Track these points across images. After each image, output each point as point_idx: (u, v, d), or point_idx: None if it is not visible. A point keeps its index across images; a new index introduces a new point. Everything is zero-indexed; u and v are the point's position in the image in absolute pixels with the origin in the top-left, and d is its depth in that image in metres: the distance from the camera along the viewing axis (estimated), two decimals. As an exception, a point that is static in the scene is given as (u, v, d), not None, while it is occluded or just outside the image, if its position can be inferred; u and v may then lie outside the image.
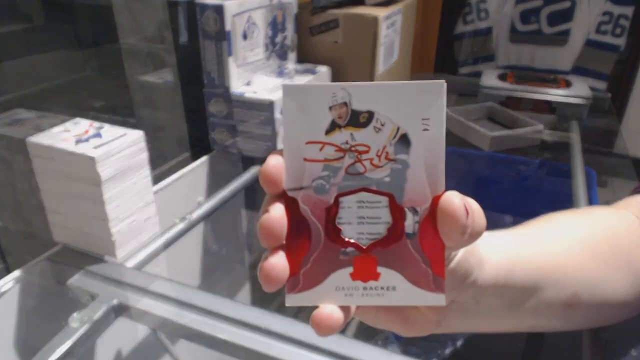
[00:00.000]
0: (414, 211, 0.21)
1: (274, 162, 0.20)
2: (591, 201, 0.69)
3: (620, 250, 0.33)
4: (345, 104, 0.20)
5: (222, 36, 0.66)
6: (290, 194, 0.21)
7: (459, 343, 0.58)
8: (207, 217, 0.63)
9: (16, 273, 0.49)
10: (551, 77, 1.06)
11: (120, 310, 0.47)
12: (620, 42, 1.58)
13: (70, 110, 0.70)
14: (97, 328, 0.45)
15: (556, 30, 1.60)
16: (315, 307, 0.21)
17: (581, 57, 1.61)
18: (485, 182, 0.87)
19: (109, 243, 0.49)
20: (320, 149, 0.20)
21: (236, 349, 0.42)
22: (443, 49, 1.75)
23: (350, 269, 0.21)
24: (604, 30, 1.57)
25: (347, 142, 0.20)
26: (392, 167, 0.20)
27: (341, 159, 0.20)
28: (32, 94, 0.65)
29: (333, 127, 0.20)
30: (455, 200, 0.20)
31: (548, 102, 0.99)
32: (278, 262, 0.20)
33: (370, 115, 0.20)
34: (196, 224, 0.61)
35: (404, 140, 0.20)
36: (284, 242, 0.21)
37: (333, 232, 0.21)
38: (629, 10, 1.54)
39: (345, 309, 0.21)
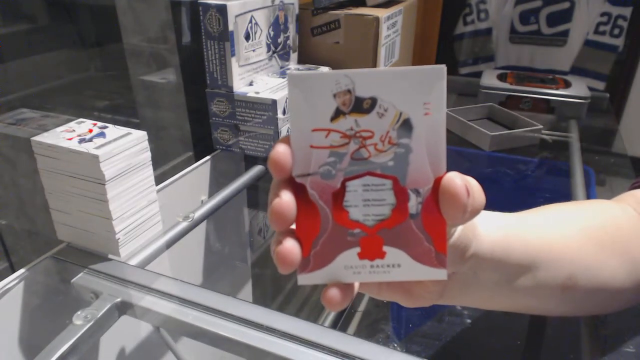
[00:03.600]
0: (417, 192, 0.22)
1: (282, 149, 0.21)
2: (590, 199, 0.69)
3: (619, 238, 0.34)
4: (349, 91, 0.20)
5: (225, 37, 0.66)
6: (298, 180, 0.21)
7: (460, 342, 0.58)
8: (210, 216, 0.63)
9: (20, 271, 0.49)
10: (550, 78, 1.07)
11: (124, 308, 0.47)
12: (619, 42, 1.58)
13: (74, 110, 0.71)
14: (101, 326, 0.45)
15: (555, 30, 1.61)
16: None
17: (580, 58, 1.62)
18: (485, 182, 0.87)
19: (113, 241, 0.49)
20: (326, 136, 0.21)
21: (239, 346, 0.42)
22: (443, 49, 1.75)
23: (357, 249, 0.22)
24: (603, 31, 1.57)
25: (351, 129, 0.21)
26: (396, 151, 0.21)
27: (346, 145, 0.21)
28: (36, 94, 0.65)
29: (338, 114, 0.21)
30: (456, 181, 0.21)
31: (547, 102, 1.00)
32: (292, 247, 0.21)
33: (374, 101, 0.21)
34: (199, 222, 0.61)
35: (406, 125, 0.21)
36: (294, 225, 0.22)
37: (340, 215, 0.22)
38: (627, 11, 1.55)
39: (350, 286, 0.23)
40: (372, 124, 0.21)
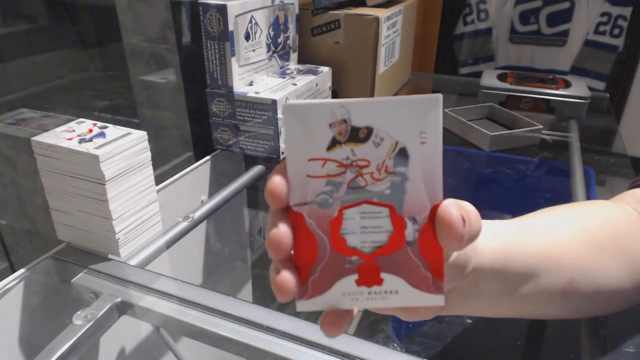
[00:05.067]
0: (414, 220, 0.22)
1: (278, 180, 0.21)
2: (590, 199, 0.69)
3: (618, 239, 0.34)
4: (344, 120, 0.21)
5: (225, 37, 0.66)
6: (295, 209, 0.22)
7: (460, 342, 0.58)
8: (210, 216, 0.63)
9: (20, 271, 0.49)
10: (550, 78, 1.07)
11: (124, 308, 0.47)
12: (619, 42, 1.58)
13: (74, 110, 0.71)
14: (101, 326, 0.45)
15: (555, 30, 1.61)
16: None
17: (580, 58, 1.62)
18: (485, 182, 0.88)
19: (113, 241, 0.49)
20: (323, 165, 0.21)
21: (239, 346, 0.42)
22: (443, 49, 1.75)
23: (355, 276, 0.22)
24: (603, 31, 1.57)
25: (348, 158, 0.21)
26: (392, 180, 0.21)
27: (343, 174, 0.21)
28: (36, 94, 0.65)
29: (334, 143, 0.21)
30: (452, 210, 0.21)
31: (547, 102, 1.00)
32: (289, 276, 0.22)
33: (369, 130, 0.21)
34: (199, 222, 0.61)
35: (402, 154, 0.21)
36: (292, 253, 0.22)
37: (338, 242, 0.22)
38: (627, 11, 1.55)
39: (349, 311, 0.23)
40: (368, 153, 0.21)
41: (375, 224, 0.22)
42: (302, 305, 0.23)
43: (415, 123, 0.21)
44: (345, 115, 0.21)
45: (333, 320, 0.23)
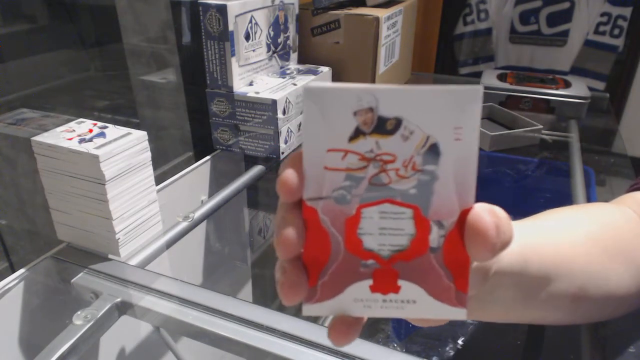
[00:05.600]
0: (440, 224, 0.20)
1: (292, 170, 0.19)
2: (590, 200, 0.69)
3: (622, 243, 0.34)
4: (371, 109, 0.19)
5: (225, 36, 0.66)
6: (309, 204, 0.20)
7: (460, 341, 0.58)
8: (210, 216, 0.63)
9: (20, 271, 0.49)
10: (550, 78, 1.07)
11: (124, 308, 0.47)
12: (619, 42, 1.58)
13: (74, 110, 0.71)
14: (101, 326, 0.45)
15: (555, 30, 1.61)
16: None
17: (580, 58, 1.62)
18: (485, 181, 0.88)
19: (113, 241, 0.49)
20: (343, 157, 0.19)
21: (239, 346, 0.42)
22: (443, 49, 1.75)
23: (370, 281, 0.20)
24: (603, 31, 1.58)
25: (371, 151, 0.19)
26: (419, 179, 0.19)
27: (364, 169, 0.19)
28: (36, 94, 0.65)
29: (357, 134, 0.19)
30: (485, 218, 0.19)
31: (547, 102, 1.00)
32: (297, 279, 0.20)
33: (398, 122, 0.19)
34: (199, 222, 0.61)
35: (433, 150, 0.19)
36: (300, 251, 0.20)
37: (354, 243, 0.20)
38: (627, 11, 1.55)
39: (359, 319, 0.21)
40: (395, 147, 0.19)
41: (396, 226, 0.20)
42: (309, 309, 0.21)
43: (451, 117, 0.18)
44: (373, 103, 0.18)
45: (342, 328, 0.21)
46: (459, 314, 0.21)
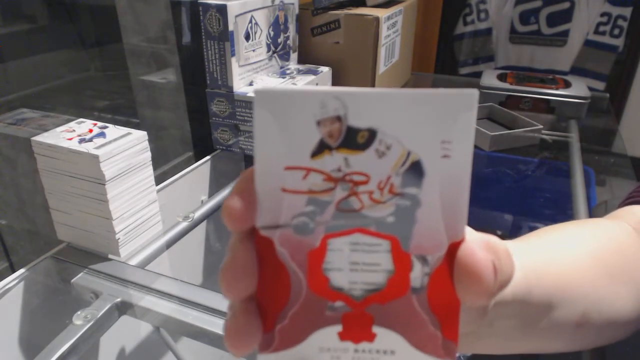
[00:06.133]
0: (424, 260, 0.16)
1: (241, 194, 0.16)
2: (589, 199, 0.69)
3: (625, 260, 0.32)
4: (338, 117, 0.15)
5: (224, 36, 0.66)
6: (263, 233, 0.16)
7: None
8: (210, 216, 0.63)
9: (20, 271, 0.49)
10: (550, 78, 1.07)
11: (124, 308, 0.47)
12: (619, 42, 1.58)
13: (74, 110, 0.71)
14: (101, 326, 0.45)
15: (555, 30, 1.61)
16: None
17: (580, 58, 1.62)
18: (485, 182, 0.88)
19: (113, 241, 0.49)
20: (304, 177, 0.16)
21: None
22: (443, 49, 1.75)
23: (338, 327, 0.17)
24: (603, 31, 1.58)
25: (339, 169, 0.16)
26: (398, 204, 0.16)
27: (331, 191, 0.16)
28: (36, 94, 0.65)
29: (321, 148, 0.15)
30: (479, 255, 0.16)
31: (547, 102, 1.00)
32: (248, 325, 0.16)
33: (372, 134, 0.15)
34: (199, 222, 0.61)
35: (415, 170, 0.16)
36: (254, 291, 0.17)
37: (318, 281, 0.16)
38: (627, 11, 1.55)
39: None
40: (368, 165, 0.15)
41: (370, 260, 0.16)
42: None
43: (438, 128, 0.15)
44: (340, 110, 0.15)
45: None
46: None
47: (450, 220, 0.16)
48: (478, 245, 0.16)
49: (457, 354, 0.17)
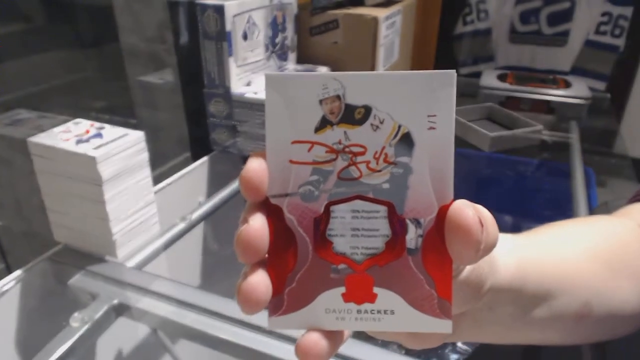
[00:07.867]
0: (417, 223, 0.18)
1: (256, 166, 0.18)
2: (590, 200, 0.69)
3: (627, 257, 0.32)
4: (338, 97, 0.17)
5: (222, 37, 0.66)
6: (273, 201, 0.18)
7: (459, 343, 0.58)
8: (207, 217, 0.63)
9: (17, 273, 0.49)
10: (550, 78, 1.07)
11: (121, 310, 0.47)
12: (620, 42, 1.58)
13: (71, 110, 0.71)
14: (98, 328, 0.45)
15: (556, 30, 1.61)
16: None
17: (580, 58, 1.61)
18: (485, 182, 0.87)
19: (110, 243, 0.49)
20: (309, 150, 0.18)
21: (236, 348, 0.42)
22: (443, 49, 1.75)
23: (342, 289, 0.18)
24: (603, 31, 1.57)
25: (339, 142, 0.18)
26: (392, 172, 0.18)
27: (333, 162, 0.18)
28: (32, 95, 0.65)
29: (324, 124, 0.18)
30: (467, 211, 0.17)
31: (547, 103, 0.99)
32: (259, 282, 0.17)
33: (367, 110, 0.18)
34: (196, 224, 0.61)
35: (406, 141, 0.18)
36: (266, 257, 0.18)
37: (323, 246, 0.18)
38: (628, 11, 1.54)
39: (336, 333, 0.19)
40: (364, 138, 0.18)
41: (369, 226, 0.18)
42: (275, 323, 0.18)
43: (424, 104, 0.17)
44: (339, 90, 0.17)
45: (313, 341, 0.18)
46: (443, 325, 0.18)
47: (439, 185, 0.18)
48: (465, 204, 0.18)
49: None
